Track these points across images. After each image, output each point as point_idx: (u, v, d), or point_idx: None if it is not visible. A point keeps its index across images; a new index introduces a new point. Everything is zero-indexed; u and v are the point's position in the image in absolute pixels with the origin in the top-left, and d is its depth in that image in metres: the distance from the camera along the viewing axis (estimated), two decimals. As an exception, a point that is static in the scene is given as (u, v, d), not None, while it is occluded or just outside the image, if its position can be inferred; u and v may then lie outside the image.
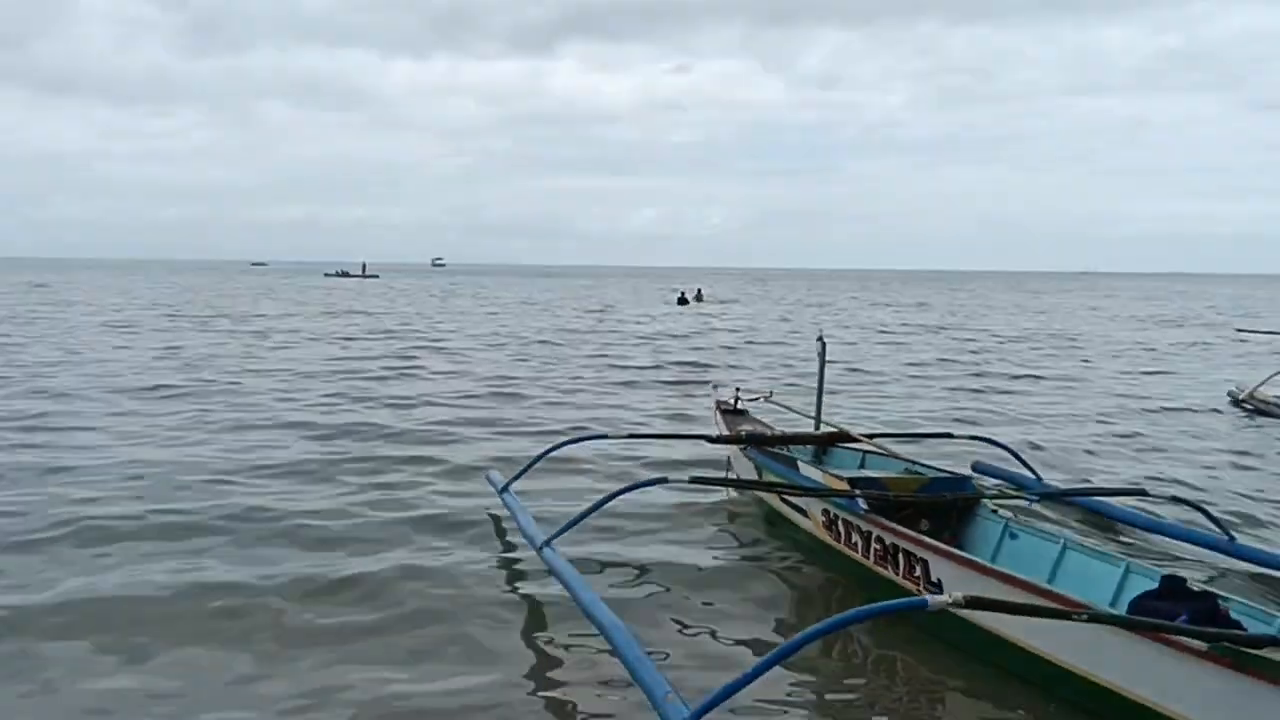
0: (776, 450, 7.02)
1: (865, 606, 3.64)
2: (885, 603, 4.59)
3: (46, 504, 7.06)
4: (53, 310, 32.65)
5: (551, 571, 5.15)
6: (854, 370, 17.43)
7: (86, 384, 13.75)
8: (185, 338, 22.51)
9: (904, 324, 33.36)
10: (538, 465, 7.10)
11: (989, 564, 4.82)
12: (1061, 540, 5.28)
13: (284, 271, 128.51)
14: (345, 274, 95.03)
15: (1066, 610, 3.63)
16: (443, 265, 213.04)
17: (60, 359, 17.17)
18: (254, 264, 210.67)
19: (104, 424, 10.63)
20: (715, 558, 6.38)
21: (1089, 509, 7.05)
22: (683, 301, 46.59)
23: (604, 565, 5.96)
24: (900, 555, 5.19)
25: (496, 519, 6.88)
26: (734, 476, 7.51)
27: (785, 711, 4.19)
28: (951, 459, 8.11)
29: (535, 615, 5.27)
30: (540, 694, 4.36)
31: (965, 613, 4.54)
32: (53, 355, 17.75)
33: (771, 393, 9.00)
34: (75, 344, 20.13)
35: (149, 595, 5.34)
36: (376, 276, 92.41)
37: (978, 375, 17.56)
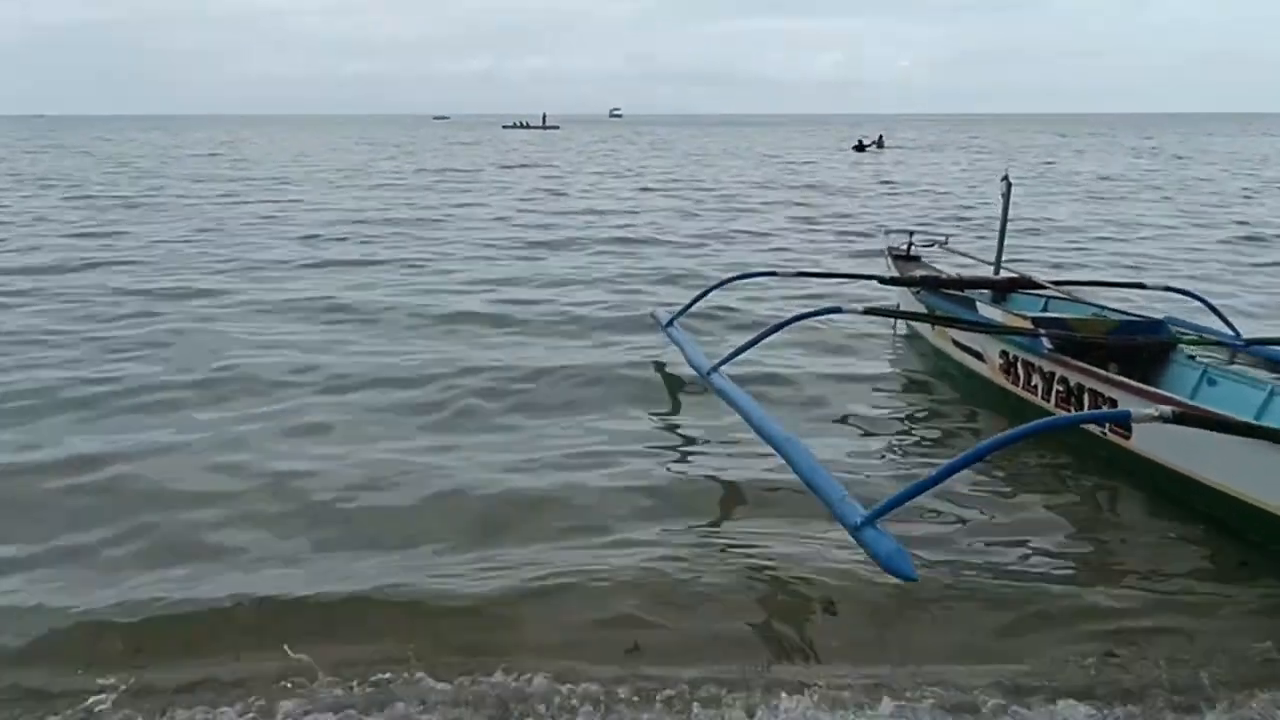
0: (952, 294, 6.75)
1: (1057, 416, 3.51)
2: (1082, 413, 4.39)
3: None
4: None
5: (720, 395, 5.17)
6: (1034, 226, 16.13)
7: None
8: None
9: (1127, 175, 29.18)
10: (703, 301, 7.07)
11: (1188, 401, 4.53)
12: (1269, 386, 4.88)
13: (465, 124, 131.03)
14: (524, 125, 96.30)
15: None
16: (620, 116, 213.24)
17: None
18: (436, 118, 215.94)
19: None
20: (885, 394, 6.35)
21: None
22: (860, 149, 44.63)
23: (771, 395, 5.94)
24: (1085, 396, 4.95)
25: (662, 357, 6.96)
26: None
27: (960, 524, 4.18)
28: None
29: (705, 439, 5.35)
30: (716, 508, 4.47)
31: (1151, 452, 4.42)
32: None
33: (948, 238, 8.63)
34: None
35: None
36: (557, 128, 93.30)
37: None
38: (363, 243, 13.18)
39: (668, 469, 4.93)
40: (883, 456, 5.11)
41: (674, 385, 6.39)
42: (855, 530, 3.31)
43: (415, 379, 6.43)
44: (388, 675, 3.01)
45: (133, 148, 48.38)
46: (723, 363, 5.46)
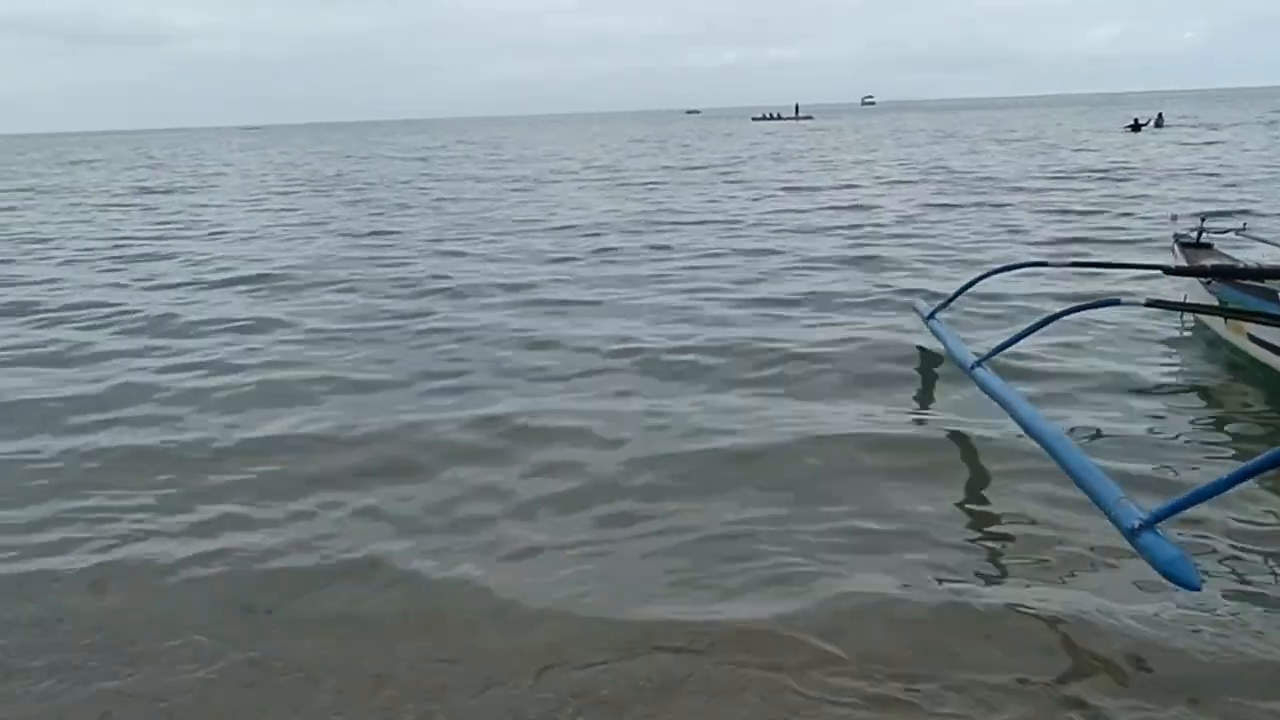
0: (1250, 284, 6.19)
1: None
2: None
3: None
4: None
5: (985, 390, 5.03)
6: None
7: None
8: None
9: None
10: (967, 293, 6.86)
11: None
12: None
13: (716, 117, 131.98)
14: (775, 117, 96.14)
15: None
16: (873, 103, 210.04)
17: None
18: (688, 111, 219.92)
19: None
20: (1167, 392, 5.89)
21: None
22: (1136, 128, 41.40)
23: (1039, 393, 5.67)
24: None
25: (923, 348, 6.81)
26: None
27: (1246, 533, 3.88)
28: None
29: (968, 435, 5.18)
30: (978, 508, 4.36)
31: None
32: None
33: (1245, 225, 7.91)
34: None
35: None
36: (810, 118, 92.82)
37: None
38: (604, 258, 12.20)
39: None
40: (1163, 459, 4.77)
41: (935, 381, 6.25)
42: (1132, 534, 3.15)
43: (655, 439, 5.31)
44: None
45: (394, 151, 52.30)
46: (988, 357, 5.33)
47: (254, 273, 11.79)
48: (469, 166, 34.91)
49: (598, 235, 14.28)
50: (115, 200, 25.09)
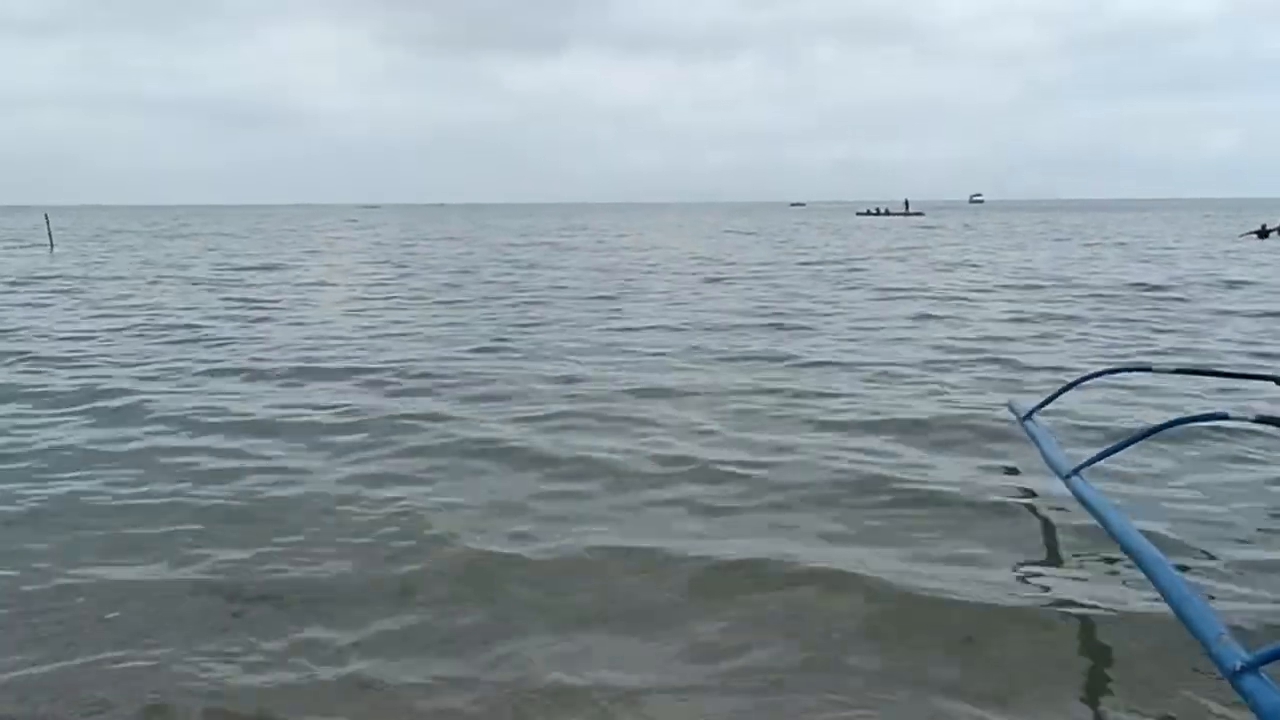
0: None
1: None
2: None
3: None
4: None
5: (1080, 501, 4.80)
6: None
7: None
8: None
9: None
10: (1065, 396, 6.62)
11: None
12: None
13: (820, 211, 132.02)
14: (883, 212, 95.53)
15: None
16: (980, 201, 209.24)
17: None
18: (793, 204, 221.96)
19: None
20: (1274, 519, 5.47)
21: None
22: (1263, 234, 39.70)
23: (1137, 508, 5.35)
24: None
25: (1019, 447, 6.54)
26: None
27: None
28: None
29: (1061, 548, 5.00)
30: (1064, 630, 4.14)
31: None
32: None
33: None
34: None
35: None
36: (921, 214, 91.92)
37: None
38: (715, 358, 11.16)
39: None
40: (1271, 594, 4.41)
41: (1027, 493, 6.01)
42: (1233, 676, 2.90)
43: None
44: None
45: (508, 236, 53.43)
46: (1085, 465, 5.06)
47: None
48: (575, 257, 35.31)
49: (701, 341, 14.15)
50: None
